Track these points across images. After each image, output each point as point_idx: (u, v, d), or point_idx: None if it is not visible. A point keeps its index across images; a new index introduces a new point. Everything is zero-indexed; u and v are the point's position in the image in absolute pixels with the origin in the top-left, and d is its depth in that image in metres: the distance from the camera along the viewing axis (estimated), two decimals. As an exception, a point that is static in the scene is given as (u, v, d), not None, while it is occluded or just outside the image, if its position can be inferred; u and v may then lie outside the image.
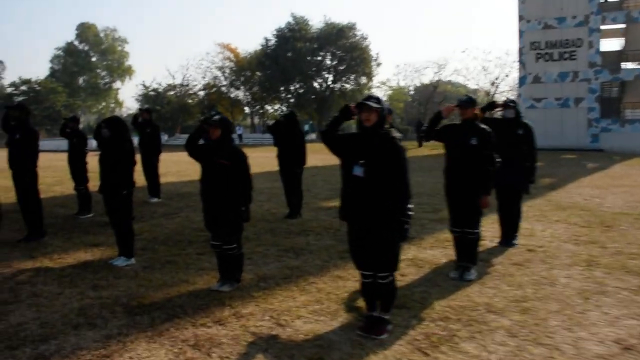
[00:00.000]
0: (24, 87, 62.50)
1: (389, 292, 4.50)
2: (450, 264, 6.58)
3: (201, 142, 5.95)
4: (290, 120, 9.54)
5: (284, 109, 57.60)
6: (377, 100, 4.29)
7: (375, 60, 53.98)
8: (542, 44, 34.36)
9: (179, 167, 20.54)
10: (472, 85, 52.79)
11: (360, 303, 5.17)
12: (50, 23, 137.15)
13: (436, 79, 54.26)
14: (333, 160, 5.07)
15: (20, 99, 60.23)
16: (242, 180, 5.39)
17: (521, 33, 35.20)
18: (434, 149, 30.49)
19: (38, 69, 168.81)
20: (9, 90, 65.00)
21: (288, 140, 9.46)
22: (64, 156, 14.74)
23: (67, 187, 14.26)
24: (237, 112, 61.49)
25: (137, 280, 5.92)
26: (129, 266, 6.51)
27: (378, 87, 56.68)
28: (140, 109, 12.53)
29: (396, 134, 4.34)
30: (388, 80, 60.14)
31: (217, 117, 5.45)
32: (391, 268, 4.42)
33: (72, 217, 10.08)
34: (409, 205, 4.33)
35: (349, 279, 5.96)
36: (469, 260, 6.09)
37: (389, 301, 4.55)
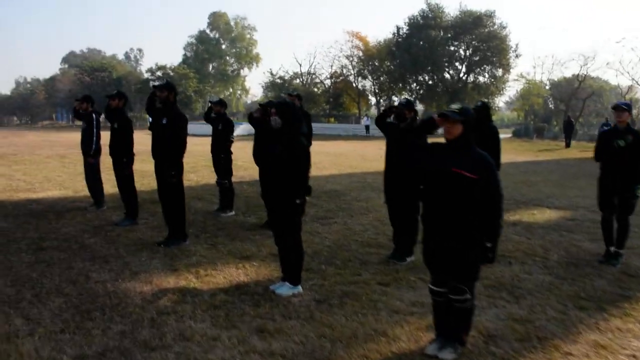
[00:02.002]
0: (159, 73, 65.01)
1: None
2: None
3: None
4: (480, 113, 7.57)
5: (414, 100, 55.27)
6: None
7: (514, 51, 49.82)
8: None
9: (312, 158, 19.21)
10: (625, 80, 47.38)
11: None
12: (186, 12, 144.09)
13: (582, 72, 49.24)
14: None
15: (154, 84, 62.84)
16: (492, 202, 3.58)
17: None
18: (584, 150, 27.06)
19: (173, 56, 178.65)
20: (146, 75, 68.13)
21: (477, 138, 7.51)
22: (200, 140, 13.77)
23: (203, 175, 13.31)
24: (363, 102, 59.94)
25: (315, 325, 4.32)
26: (296, 296, 4.96)
27: (516, 80, 52.49)
28: (289, 94, 11.06)
29: None
30: (528, 73, 55.50)
31: (456, 106, 3.70)
32: None
33: (212, 215, 8.85)
34: None
35: (618, 352, 4.02)
36: None
37: None
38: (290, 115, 4.90)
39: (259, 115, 8.13)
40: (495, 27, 49.42)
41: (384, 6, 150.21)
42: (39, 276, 5.52)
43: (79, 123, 9.61)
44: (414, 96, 54.31)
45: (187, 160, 16.21)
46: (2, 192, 11.38)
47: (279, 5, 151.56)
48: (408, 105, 6.16)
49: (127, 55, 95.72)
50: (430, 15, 50.62)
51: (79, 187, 11.97)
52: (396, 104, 6.31)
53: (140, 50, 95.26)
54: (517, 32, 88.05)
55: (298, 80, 57.90)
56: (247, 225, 8.09)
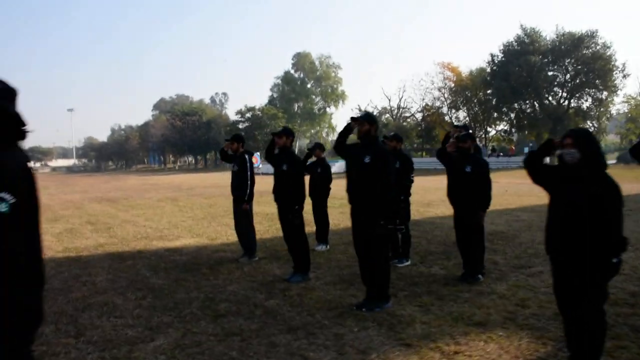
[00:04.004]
0: (248, 115, 66.07)
1: None
2: None
3: None
4: None
5: (509, 129, 52.96)
6: None
7: (622, 70, 46.41)
8: None
9: (426, 193, 17.87)
10: None
11: None
12: (271, 55, 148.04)
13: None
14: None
15: (244, 125, 63.91)
16: None
17: None
18: None
19: (256, 98, 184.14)
20: (235, 117, 69.48)
21: None
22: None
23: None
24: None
25: None
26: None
27: (625, 102, 48.77)
28: (455, 126, 9.85)
29: None
30: (639, 94, 51.41)
31: None
32: None
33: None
34: None
35: None
36: None
37: None
38: (593, 146, 3.63)
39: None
40: (599, 47, 46.43)
41: (473, 35, 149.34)
42: (241, 356, 4.46)
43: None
44: (508, 125, 51.99)
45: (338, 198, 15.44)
46: (136, 240, 10.77)
47: (364, 42, 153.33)
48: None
49: (212, 99, 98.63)
50: (526, 40, 48.36)
51: (212, 234, 11.23)
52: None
53: (224, 94, 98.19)
54: (625, 50, 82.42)
55: (387, 115, 56.75)
56: (439, 278, 6.82)
